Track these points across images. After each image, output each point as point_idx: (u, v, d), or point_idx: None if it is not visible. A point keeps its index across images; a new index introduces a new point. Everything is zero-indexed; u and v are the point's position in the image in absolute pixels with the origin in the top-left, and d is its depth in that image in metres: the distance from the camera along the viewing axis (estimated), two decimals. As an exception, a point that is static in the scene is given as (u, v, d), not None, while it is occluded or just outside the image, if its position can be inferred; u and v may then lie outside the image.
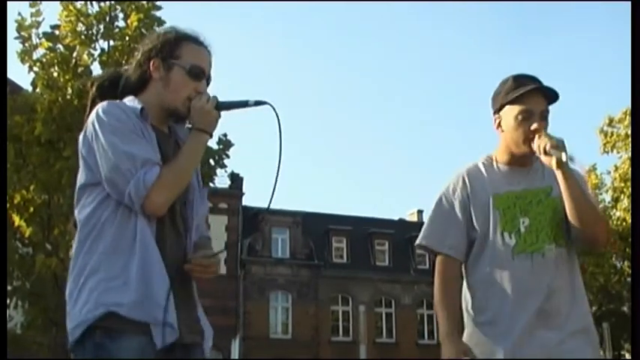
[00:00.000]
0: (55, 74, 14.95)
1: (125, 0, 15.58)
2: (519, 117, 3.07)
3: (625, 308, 41.35)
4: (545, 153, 2.93)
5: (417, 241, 3.26)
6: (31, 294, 16.37)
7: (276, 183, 2.62)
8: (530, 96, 3.07)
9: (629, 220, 27.96)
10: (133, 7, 15.45)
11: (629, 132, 28.28)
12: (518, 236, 3.06)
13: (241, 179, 36.26)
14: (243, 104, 2.68)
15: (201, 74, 2.70)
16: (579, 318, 3.07)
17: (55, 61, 14.97)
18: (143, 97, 2.67)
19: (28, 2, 14.89)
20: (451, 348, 2.96)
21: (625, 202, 28.66)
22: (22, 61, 14.68)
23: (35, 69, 14.88)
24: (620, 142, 28.59)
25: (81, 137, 2.59)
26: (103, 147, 2.49)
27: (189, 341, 2.59)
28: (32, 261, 14.97)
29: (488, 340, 3.02)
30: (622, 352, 41.81)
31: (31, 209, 14.45)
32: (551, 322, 2.98)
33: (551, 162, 2.93)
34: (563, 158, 2.89)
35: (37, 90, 14.84)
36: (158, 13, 15.66)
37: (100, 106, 2.56)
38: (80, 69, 15.04)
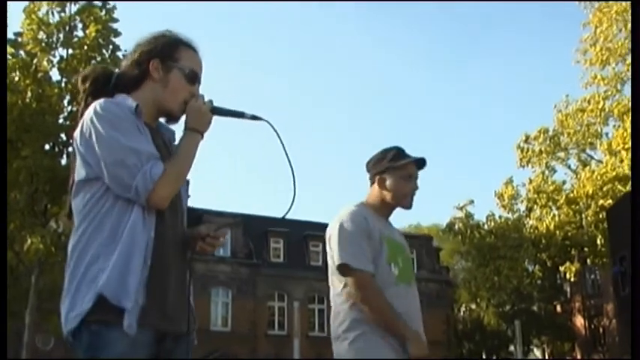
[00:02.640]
0: (17, 79, 14.84)
1: (85, 8, 15.54)
2: (403, 178, 3.77)
3: (534, 307, 42.36)
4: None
5: (342, 261, 3.53)
6: (-13, 284, 16.11)
7: (294, 195, 2.61)
8: (410, 165, 3.79)
9: (540, 228, 28.69)
10: (92, 18, 15.43)
11: (543, 148, 29.00)
12: (398, 269, 3.65)
13: (187, 182, 35.89)
14: (239, 115, 2.65)
15: (195, 79, 2.67)
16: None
17: (17, 66, 14.87)
18: (137, 95, 2.60)
19: (-8, 10, 14.77)
20: (422, 343, 3.57)
21: (537, 211, 29.30)
22: (-15, 65, 14.53)
23: (-3, 73, 14.75)
24: (535, 157, 29.16)
25: (77, 134, 2.49)
26: (104, 142, 2.41)
27: (180, 331, 2.52)
28: (-12, 253, 14.80)
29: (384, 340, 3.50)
30: (531, 347, 42.79)
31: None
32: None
33: None
34: None
35: (-1, 92, 14.69)
36: (115, 25, 15.68)
37: (98, 103, 2.48)
38: (40, 74, 14.97)
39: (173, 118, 2.67)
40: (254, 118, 2.62)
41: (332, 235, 3.63)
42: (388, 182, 3.76)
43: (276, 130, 2.58)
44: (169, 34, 2.69)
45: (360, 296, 3.49)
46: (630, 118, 17.59)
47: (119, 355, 2.29)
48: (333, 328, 3.62)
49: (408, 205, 3.80)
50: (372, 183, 3.83)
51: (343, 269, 3.54)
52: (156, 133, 2.62)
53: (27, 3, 15.24)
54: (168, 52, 2.64)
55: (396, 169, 3.76)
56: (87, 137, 2.45)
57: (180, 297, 2.53)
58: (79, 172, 2.49)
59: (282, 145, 2.60)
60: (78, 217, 2.47)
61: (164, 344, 2.45)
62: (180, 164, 2.53)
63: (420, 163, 3.83)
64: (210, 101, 2.63)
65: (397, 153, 3.80)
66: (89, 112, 2.47)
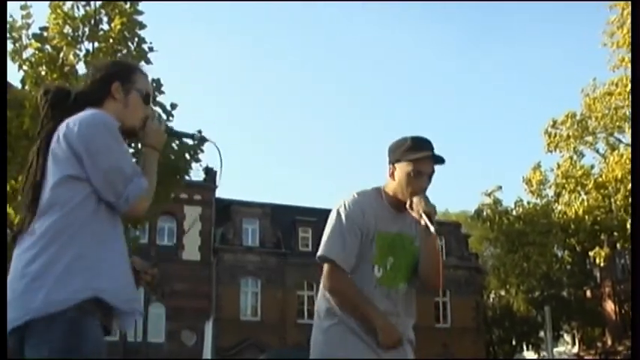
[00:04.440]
0: (43, 73, 14.83)
1: (110, 2, 15.54)
2: (411, 174, 3.41)
3: (564, 293, 41.98)
4: (418, 213, 3.30)
5: (322, 253, 3.45)
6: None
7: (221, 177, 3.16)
8: (422, 161, 3.42)
9: (569, 213, 28.42)
10: (117, 11, 15.40)
11: (571, 133, 28.70)
12: (385, 271, 3.48)
13: (215, 173, 35.91)
14: (190, 136, 3.06)
15: (149, 100, 2.96)
16: (410, 333, 3.57)
17: (43, 60, 14.86)
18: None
19: (19, 5, 14.83)
20: (396, 331, 3.39)
21: (566, 196, 29.07)
22: (13, 60, 14.56)
23: (24, 67, 14.76)
24: (563, 142, 28.92)
25: (71, 137, 2.63)
26: (107, 149, 2.63)
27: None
28: (20, 246, 14.92)
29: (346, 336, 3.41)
30: (561, 333, 42.47)
31: (19, 198, 14.36)
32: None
33: (421, 221, 3.30)
34: (432, 229, 3.26)
35: (26, 87, 14.72)
36: (140, 18, 15.66)
37: (97, 113, 2.71)
38: (66, 68, 14.92)
39: (133, 135, 2.92)
40: (202, 139, 3.04)
41: (328, 221, 3.55)
42: (397, 174, 3.47)
43: (219, 151, 2.98)
44: (125, 61, 3.19)
45: (328, 285, 3.47)
46: (631, 120, 17.31)
47: (96, 339, 2.53)
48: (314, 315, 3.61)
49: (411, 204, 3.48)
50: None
51: (322, 259, 3.48)
52: None
53: (52, -2, 15.27)
54: (127, 75, 2.92)
55: (408, 162, 3.43)
56: (87, 140, 2.62)
57: None
58: (65, 168, 2.63)
59: (221, 162, 3.01)
60: (57, 207, 2.60)
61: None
62: (154, 181, 2.78)
63: (435, 160, 3.46)
64: (165, 122, 2.97)
65: (413, 144, 3.46)
66: (90, 119, 2.67)
